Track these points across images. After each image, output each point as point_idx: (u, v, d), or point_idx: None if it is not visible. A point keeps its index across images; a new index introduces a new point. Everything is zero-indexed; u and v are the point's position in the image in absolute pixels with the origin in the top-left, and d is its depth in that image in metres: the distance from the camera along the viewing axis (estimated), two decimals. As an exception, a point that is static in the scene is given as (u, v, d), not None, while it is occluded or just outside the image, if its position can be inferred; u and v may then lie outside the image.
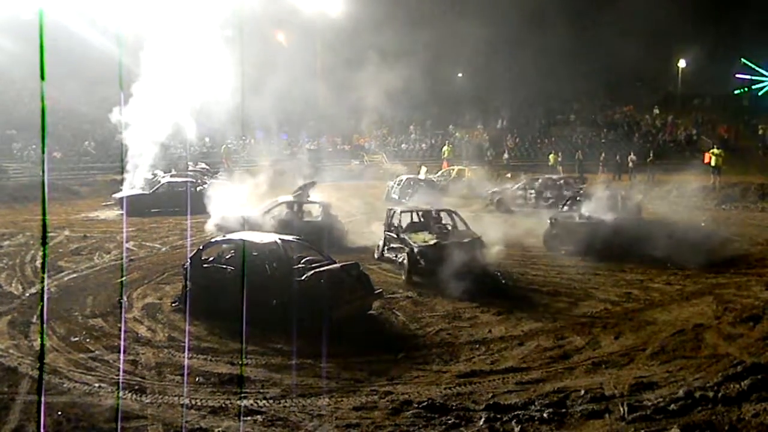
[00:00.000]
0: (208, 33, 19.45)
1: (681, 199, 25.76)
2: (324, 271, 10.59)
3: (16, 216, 22.51)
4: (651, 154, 32.66)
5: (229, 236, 11.99)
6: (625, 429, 6.69)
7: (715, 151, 29.29)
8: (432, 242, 13.57)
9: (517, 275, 13.69)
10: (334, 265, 10.97)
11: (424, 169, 32.37)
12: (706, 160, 29.54)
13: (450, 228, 14.72)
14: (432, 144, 44.89)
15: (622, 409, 7.06)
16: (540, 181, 24.63)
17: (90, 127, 37.59)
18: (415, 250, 13.44)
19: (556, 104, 49.20)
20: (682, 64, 50.95)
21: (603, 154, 35.95)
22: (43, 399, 7.56)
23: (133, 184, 24.23)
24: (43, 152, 31.89)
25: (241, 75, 19.85)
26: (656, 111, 46.86)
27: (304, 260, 11.27)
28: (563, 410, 7.17)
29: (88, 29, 30.67)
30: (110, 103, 24.68)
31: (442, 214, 15.33)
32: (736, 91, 52.78)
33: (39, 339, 9.74)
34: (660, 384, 7.75)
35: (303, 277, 10.30)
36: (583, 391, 7.58)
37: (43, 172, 29.29)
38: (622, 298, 11.98)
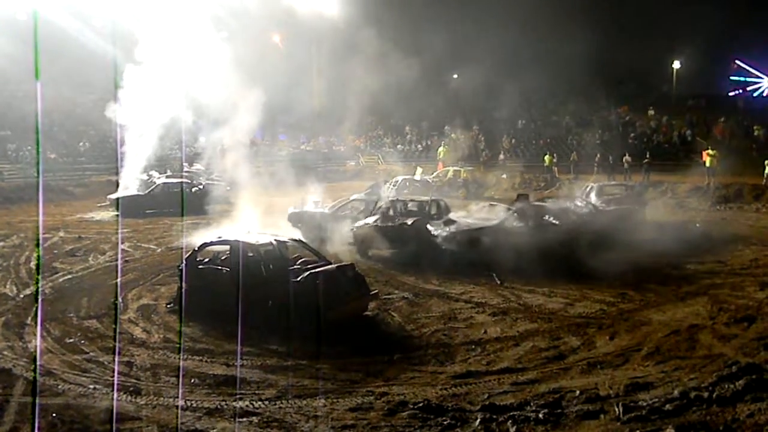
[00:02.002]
0: (202, 33, 19.43)
1: (675, 200, 25.90)
2: (320, 272, 10.58)
3: (11, 217, 22.45)
4: (646, 155, 32.70)
5: (224, 237, 11.96)
6: (621, 429, 6.71)
7: (710, 151, 29.37)
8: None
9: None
10: (330, 266, 10.97)
11: (419, 169, 32.40)
12: (704, 158, 29.62)
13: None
14: (428, 145, 44.90)
15: (617, 409, 7.09)
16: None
17: (85, 128, 37.52)
18: (353, 230, 15.78)
19: (551, 105, 49.28)
20: (676, 64, 51.11)
21: (598, 155, 36.04)
22: (37, 401, 7.54)
23: (128, 185, 24.18)
24: (38, 153, 31.76)
25: (236, 75, 19.80)
26: (651, 112, 46.98)
27: (300, 261, 11.26)
28: (558, 411, 7.19)
29: (83, 30, 30.63)
30: (105, 104, 24.63)
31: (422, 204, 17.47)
32: (731, 93, 53.02)
33: (33, 341, 9.71)
34: (655, 384, 7.78)
35: (299, 278, 10.29)
36: (578, 392, 7.60)
37: (38, 173, 29.16)
38: (618, 298, 12.00)
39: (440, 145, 41.33)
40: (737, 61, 52.86)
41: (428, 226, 15.42)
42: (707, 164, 28.62)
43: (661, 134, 43.60)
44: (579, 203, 19.12)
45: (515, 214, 15.88)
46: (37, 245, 16.91)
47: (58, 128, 36.22)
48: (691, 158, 35.52)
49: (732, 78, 54.42)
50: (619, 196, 21.11)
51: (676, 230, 18.48)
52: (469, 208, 17.96)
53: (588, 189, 21.64)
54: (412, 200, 18.26)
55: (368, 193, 19.03)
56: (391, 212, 16.83)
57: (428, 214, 17.02)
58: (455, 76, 50.12)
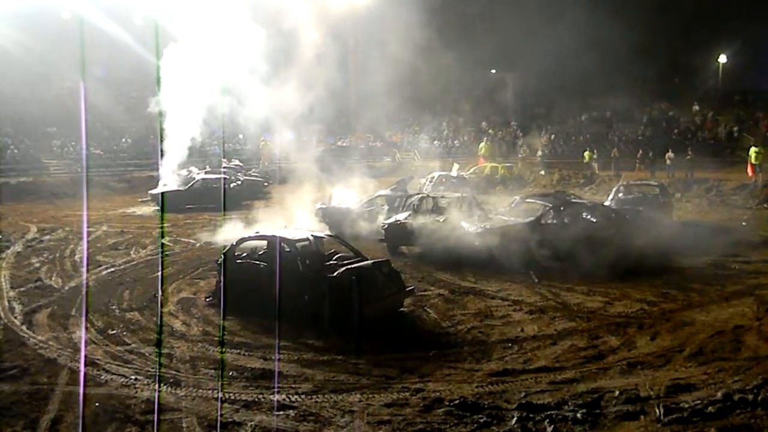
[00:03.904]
0: (239, 30, 19.62)
1: (719, 198, 25.21)
2: (356, 267, 10.59)
3: (57, 211, 23.11)
4: (689, 151, 31.91)
5: (262, 232, 12.09)
6: (661, 431, 6.57)
7: (756, 148, 28.50)
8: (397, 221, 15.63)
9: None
10: (366, 262, 10.98)
11: (456, 166, 32.19)
12: (750, 155, 28.73)
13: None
14: (464, 141, 44.63)
15: (657, 410, 6.94)
16: None
17: (126, 125, 38.34)
18: (385, 226, 15.73)
19: (592, 100, 48.44)
20: (722, 59, 49.71)
21: (640, 152, 35.31)
22: (81, 390, 7.74)
23: (168, 180, 24.63)
24: (82, 150, 32.64)
25: (273, 72, 19.98)
26: (696, 107, 45.80)
27: (336, 257, 11.31)
28: (597, 411, 7.07)
29: (124, 32, 31.26)
30: (145, 101, 25.15)
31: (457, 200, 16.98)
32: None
33: (78, 332, 9.97)
34: (698, 386, 7.60)
35: (335, 274, 10.33)
36: (617, 392, 7.47)
37: (84, 168, 29.98)
38: (659, 297, 11.74)
39: (482, 141, 41.03)
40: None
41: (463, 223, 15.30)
42: (753, 161, 27.80)
43: (706, 130, 42.49)
44: (607, 203, 18.80)
45: (552, 211, 15.66)
46: (82, 239, 17.36)
47: (101, 125, 37.09)
48: (737, 155, 34.52)
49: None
50: (641, 195, 20.52)
51: (712, 229, 18.08)
52: (505, 205, 17.78)
53: (615, 188, 21.18)
54: (442, 197, 18.11)
55: (394, 189, 18.96)
56: (422, 208, 16.78)
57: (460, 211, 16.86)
58: (493, 71, 49.72)
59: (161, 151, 23.84)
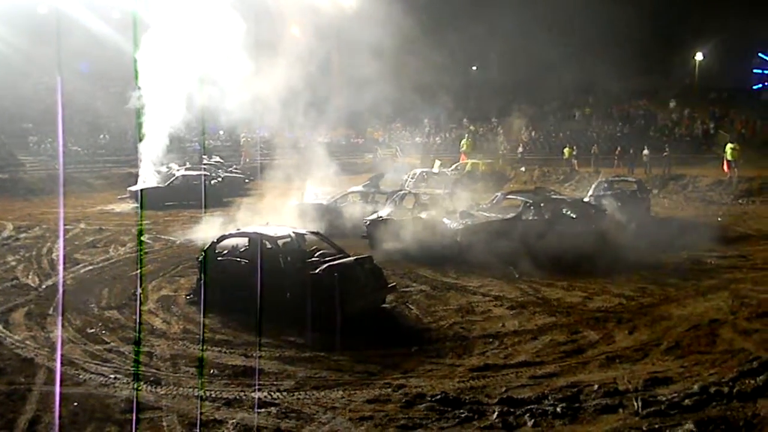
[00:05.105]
0: (219, 22, 19.46)
1: (695, 193, 25.56)
2: (338, 264, 10.60)
3: (33, 209, 22.78)
4: (666, 148, 32.28)
5: (243, 229, 12.04)
6: (639, 424, 6.67)
7: (731, 144, 28.92)
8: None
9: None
10: (348, 259, 10.99)
11: (438, 162, 32.27)
12: (725, 152, 29.14)
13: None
14: (446, 137, 44.74)
15: (636, 404, 7.04)
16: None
17: (105, 121, 37.89)
18: (367, 222, 15.77)
19: (571, 97, 48.80)
20: (699, 57, 50.35)
21: (618, 148, 35.66)
22: (59, 390, 7.66)
23: (147, 177, 24.39)
24: (59, 146, 32.19)
25: (254, 68, 19.85)
26: (673, 104, 46.35)
27: (317, 253, 11.29)
28: (577, 405, 7.16)
29: (103, 26, 30.87)
30: (124, 97, 24.86)
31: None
32: (755, 86, 52.16)
33: (55, 331, 9.85)
34: (675, 379, 7.72)
35: (317, 271, 10.32)
36: (596, 386, 7.57)
37: (60, 165, 29.58)
38: (637, 292, 11.89)
39: (463, 137, 41.14)
40: (760, 54, 51.94)
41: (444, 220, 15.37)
42: (728, 157, 28.22)
43: (683, 127, 43.04)
44: (586, 199, 18.99)
45: (532, 207, 15.78)
46: (59, 236, 17.14)
47: (79, 121, 36.62)
48: (713, 151, 35.00)
49: (755, 71, 53.52)
50: (620, 191, 20.72)
51: (689, 225, 18.34)
52: (486, 201, 17.87)
53: (594, 184, 21.35)
54: (424, 193, 18.19)
55: (366, 186, 18.91)
56: (404, 204, 16.84)
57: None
58: (474, 68, 49.87)
59: (139, 146, 23.60)
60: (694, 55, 50.32)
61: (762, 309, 10.38)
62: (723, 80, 49.84)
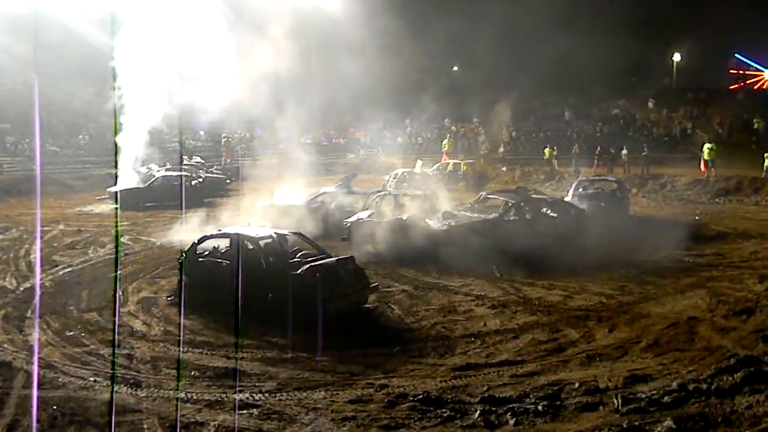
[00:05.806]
0: (202, 25, 19.35)
1: (673, 193, 25.89)
2: (319, 264, 10.59)
3: (10, 210, 22.42)
4: (645, 148, 32.66)
5: (224, 230, 11.97)
6: (619, 421, 6.73)
7: (708, 144, 29.33)
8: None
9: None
10: (330, 259, 10.98)
11: (419, 162, 32.31)
12: (703, 151, 29.55)
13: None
14: (428, 138, 44.82)
15: (616, 401, 7.11)
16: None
17: (84, 122, 37.43)
18: (348, 224, 15.65)
19: (551, 98, 49.16)
20: (677, 57, 50.99)
21: (598, 148, 36.00)
22: (37, 393, 7.56)
23: (127, 178, 24.14)
24: (36, 146, 31.77)
25: (234, 67, 19.76)
26: (651, 104, 46.90)
27: (299, 254, 11.26)
28: (558, 403, 7.21)
29: (82, 24, 30.47)
30: (103, 97, 24.61)
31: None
32: (731, 87, 52.99)
33: (33, 333, 9.72)
34: (654, 376, 7.80)
35: (298, 271, 10.30)
36: (577, 384, 7.63)
37: (37, 166, 29.13)
38: (617, 291, 12.02)
39: (445, 138, 41.25)
40: (737, 55, 52.80)
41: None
42: (705, 157, 28.61)
43: (661, 127, 43.56)
44: (567, 198, 19.15)
45: (514, 207, 15.87)
46: (37, 238, 16.91)
47: (57, 121, 36.12)
48: (690, 151, 35.47)
49: (732, 71, 54.39)
50: (599, 191, 20.90)
51: (667, 224, 18.56)
52: (468, 201, 17.93)
53: (575, 184, 21.50)
54: (405, 194, 18.15)
55: (339, 186, 18.85)
56: (385, 205, 16.82)
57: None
58: (455, 68, 50.00)
59: (118, 146, 23.34)
60: (672, 55, 50.98)
61: (739, 307, 10.52)
62: (700, 80, 50.58)
